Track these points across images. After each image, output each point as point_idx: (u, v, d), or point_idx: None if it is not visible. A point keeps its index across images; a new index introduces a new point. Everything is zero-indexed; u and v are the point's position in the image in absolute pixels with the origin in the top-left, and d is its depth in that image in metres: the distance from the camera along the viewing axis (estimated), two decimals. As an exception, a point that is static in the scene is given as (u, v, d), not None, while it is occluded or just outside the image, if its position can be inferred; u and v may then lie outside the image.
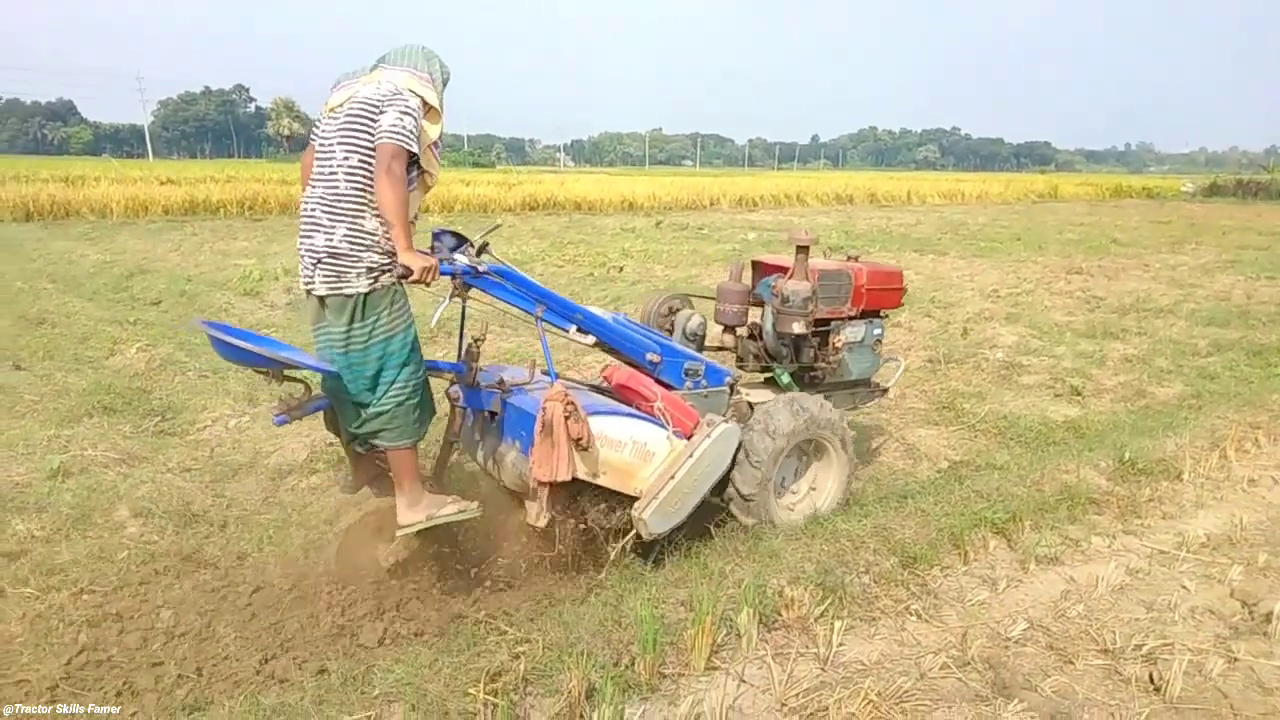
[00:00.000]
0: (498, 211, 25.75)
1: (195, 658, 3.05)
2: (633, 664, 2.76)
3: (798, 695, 2.70)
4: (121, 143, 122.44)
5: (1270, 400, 5.88)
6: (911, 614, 3.24)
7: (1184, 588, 3.49)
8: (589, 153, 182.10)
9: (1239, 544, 3.92)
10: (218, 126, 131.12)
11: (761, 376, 4.68)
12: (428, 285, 3.15)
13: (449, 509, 3.36)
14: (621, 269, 13.29)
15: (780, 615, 3.10)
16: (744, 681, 2.78)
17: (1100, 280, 12.98)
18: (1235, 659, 2.96)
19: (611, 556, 3.61)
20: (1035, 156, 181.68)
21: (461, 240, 3.48)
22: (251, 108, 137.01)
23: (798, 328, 4.23)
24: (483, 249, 3.51)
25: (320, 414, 3.44)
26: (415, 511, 3.32)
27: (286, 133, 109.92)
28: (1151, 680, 2.84)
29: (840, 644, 2.96)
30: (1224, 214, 31.29)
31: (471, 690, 2.54)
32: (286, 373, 3.16)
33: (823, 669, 2.86)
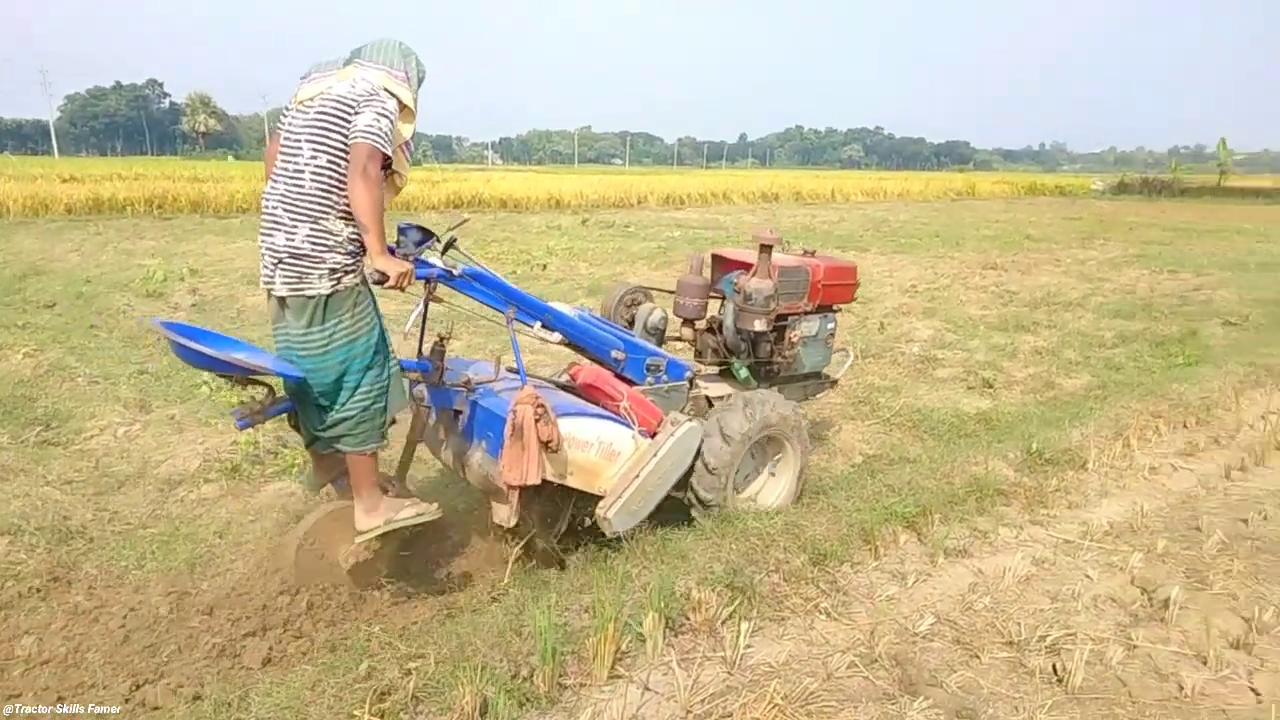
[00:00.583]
0: (421, 210, 25.29)
1: (57, 687, 2.82)
2: (531, 676, 2.64)
3: (703, 701, 2.62)
4: (25, 139, 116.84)
5: (1170, 390, 6.04)
6: (821, 612, 3.19)
7: (1087, 576, 3.52)
8: (517, 151, 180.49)
9: (1140, 531, 3.98)
10: (130, 123, 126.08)
11: (718, 369, 4.70)
12: (403, 290, 3.06)
13: (406, 512, 3.29)
14: (545, 266, 13.15)
15: (688, 618, 3.01)
16: (648, 689, 2.69)
17: (1014, 275, 13.30)
18: (1134, 646, 2.98)
19: (510, 562, 3.49)
20: (955, 155, 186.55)
21: (427, 235, 3.37)
22: (166, 103, 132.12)
23: (759, 325, 4.29)
24: (450, 245, 3.45)
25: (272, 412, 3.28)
26: (373, 516, 3.25)
27: (202, 129, 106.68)
28: (1055, 671, 2.84)
29: (748, 646, 2.89)
30: (1131, 210, 32.56)
31: (356, 712, 2.40)
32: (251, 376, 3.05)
33: (730, 673, 2.78)
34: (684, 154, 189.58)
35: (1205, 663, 2.88)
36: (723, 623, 3.00)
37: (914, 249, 17.05)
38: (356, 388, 3.12)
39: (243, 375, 3.00)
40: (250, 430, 5.05)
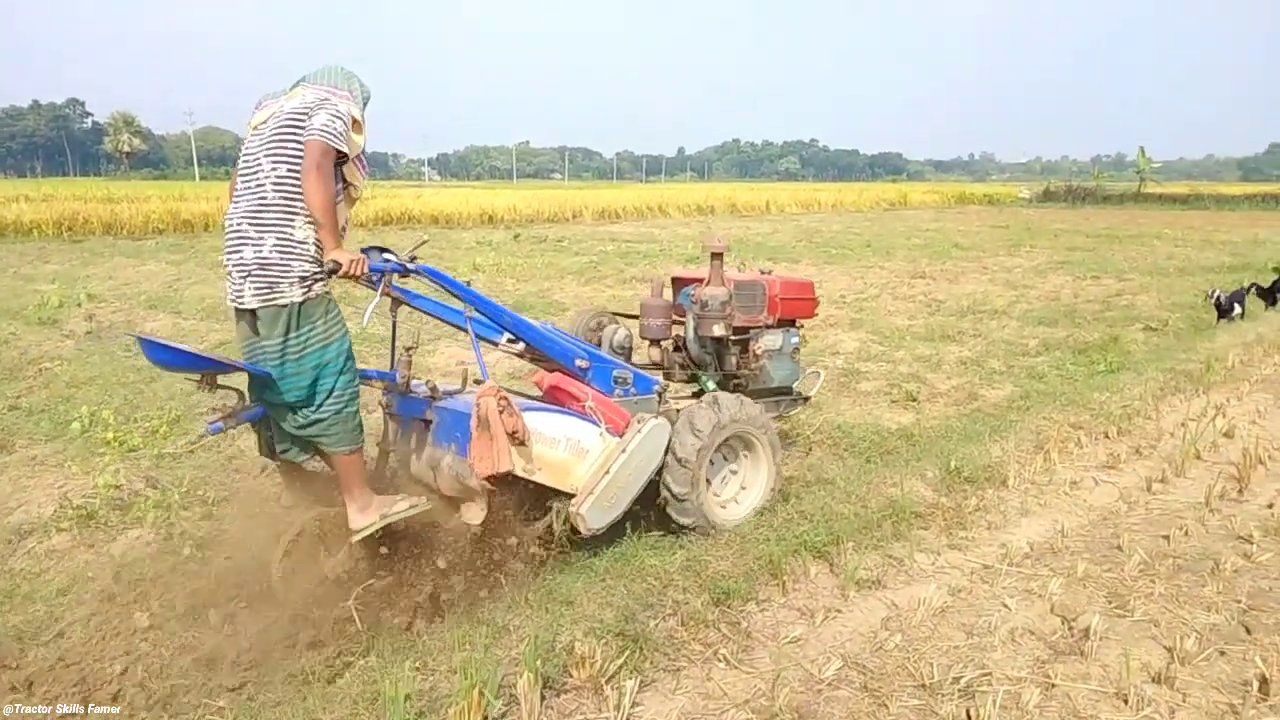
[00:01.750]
0: (348, 226, 24.67)
1: None
2: (382, 756, 2.32)
3: (580, 774, 2.33)
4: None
5: (1091, 399, 5.94)
6: (720, 660, 2.92)
7: (1005, 606, 3.32)
8: (455, 167, 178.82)
9: (1060, 552, 3.80)
10: (50, 144, 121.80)
11: (689, 390, 4.77)
12: (358, 279, 3.18)
13: (400, 506, 3.36)
14: (469, 283, 12.73)
15: (570, 675, 2.72)
16: (519, 762, 2.39)
17: (942, 284, 13.32)
18: (1052, 685, 2.77)
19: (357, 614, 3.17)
20: (888, 166, 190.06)
21: (384, 254, 3.52)
22: (88, 123, 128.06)
23: (718, 330, 4.39)
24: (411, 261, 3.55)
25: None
26: (367, 514, 3.29)
27: (126, 149, 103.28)
28: (968, 718, 2.61)
29: (636, 705, 2.61)
30: (1057, 217, 33.32)
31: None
32: (221, 381, 3.15)
33: (613, 737, 2.50)
34: (623, 168, 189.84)
35: (1126, 701, 2.68)
36: (609, 680, 2.71)
37: (844, 259, 17.05)
38: (330, 391, 3.19)
39: (212, 374, 3.09)
40: (116, 471, 4.66)
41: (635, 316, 4.69)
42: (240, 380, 3.24)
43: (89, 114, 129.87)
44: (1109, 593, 3.43)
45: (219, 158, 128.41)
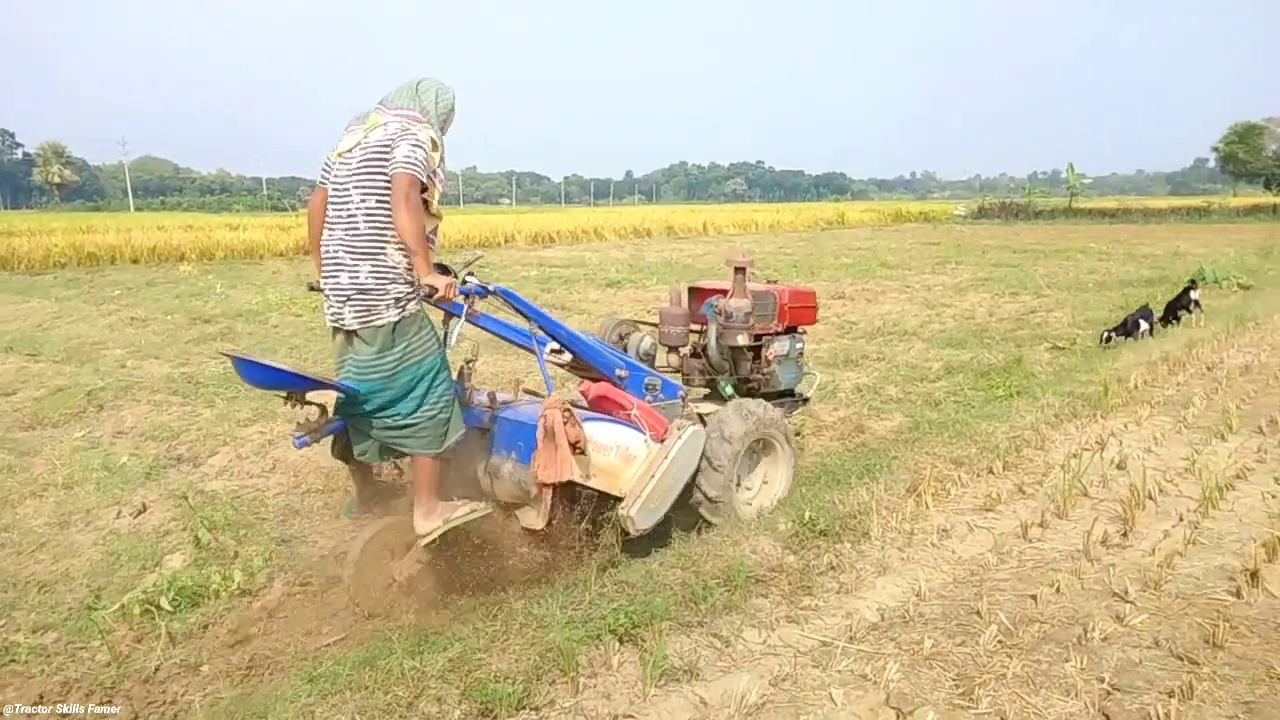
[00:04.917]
0: (267, 257, 23.98)
1: None
2: None
3: None
4: None
5: (979, 430, 5.50)
6: (461, 794, 2.35)
7: (831, 699, 2.80)
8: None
9: (912, 622, 3.30)
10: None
11: (703, 392, 5.07)
12: (449, 301, 3.39)
13: (462, 511, 3.53)
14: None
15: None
16: None
17: (860, 304, 12.98)
18: (861, 815, 2.25)
19: None
20: (833, 186, 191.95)
21: (445, 270, 3.64)
22: (18, 154, 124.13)
23: (742, 339, 4.74)
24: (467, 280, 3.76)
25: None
26: (431, 519, 3.47)
27: (57, 180, 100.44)
28: None
29: None
30: (989, 234, 33.59)
31: None
32: (307, 397, 3.32)
33: None
34: (571, 192, 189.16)
35: (944, 835, 2.16)
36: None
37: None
38: (424, 398, 3.40)
39: (301, 392, 3.29)
40: None
41: (655, 325, 4.98)
42: (324, 394, 3.37)
43: (19, 145, 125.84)
44: (957, 674, 2.93)
45: (157, 188, 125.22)
